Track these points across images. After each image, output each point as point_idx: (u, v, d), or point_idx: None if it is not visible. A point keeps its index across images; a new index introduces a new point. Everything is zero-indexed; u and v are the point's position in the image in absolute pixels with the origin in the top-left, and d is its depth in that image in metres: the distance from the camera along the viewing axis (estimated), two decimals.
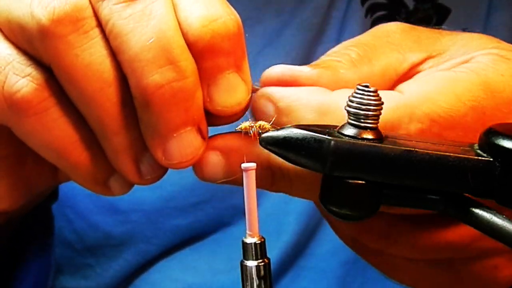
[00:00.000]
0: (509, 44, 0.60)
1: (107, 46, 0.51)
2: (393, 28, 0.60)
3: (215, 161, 0.55)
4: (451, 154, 0.49)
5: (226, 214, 0.89)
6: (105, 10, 0.51)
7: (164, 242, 0.90)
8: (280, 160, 0.54)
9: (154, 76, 0.50)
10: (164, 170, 0.56)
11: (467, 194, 0.50)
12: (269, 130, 0.53)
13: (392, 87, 0.58)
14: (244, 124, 0.54)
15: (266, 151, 0.53)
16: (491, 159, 0.49)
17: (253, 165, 0.52)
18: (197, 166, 0.56)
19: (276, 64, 0.85)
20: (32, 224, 0.79)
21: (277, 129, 0.52)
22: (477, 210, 0.49)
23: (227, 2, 0.53)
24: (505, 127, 0.50)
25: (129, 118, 0.52)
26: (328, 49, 0.86)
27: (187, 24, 0.51)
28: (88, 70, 0.51)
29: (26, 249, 0.79)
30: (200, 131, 0.53)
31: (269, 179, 0.55)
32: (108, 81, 0.51)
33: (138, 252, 0.91)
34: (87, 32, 0.51)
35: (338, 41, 0.86)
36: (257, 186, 0.55)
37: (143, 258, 0.91)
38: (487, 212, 0.49)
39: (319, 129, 0.51)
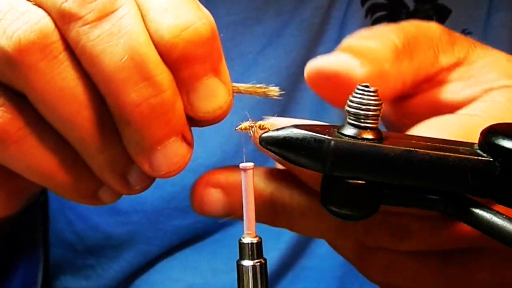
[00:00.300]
0: None
1: (79, 68, 0.50)
2: (433, 26, 0.59)
3: (216, 198, 0.55)
4: (451, 154, 0.49)
5: None
6: (72, 33, 0.49)
7: (164, 243, 0.90)
8: (284, 199, 0.54)
9: (131, 95, 0.49)
10: (153, 178, 0.55)
11: (467, 194, 0.50)
12: (269, 130, 0.53)
13: (417, 86, 0.57)
14: (244, 124, 0.54)
15: (270, 188, 0.54)
16: (491, 159, 0.49)
17: (250, 164, 0.52)
18: (196, 203, 0.56)
19: (276, 64, 0.86)
20: (20, 226, 0.78)
21: (277, 129, 0.52)
22: (477, 210, 0.49)
23: (198, 4, 0.51)
24: (505, 127, 0.50)
25: (110, 135, 0.52)
26: (328, 49, 0.86)
27: (158, 35, 0.50)
28: (63, 94, 0.50)
29: (14, 251, 0.79)
30: (184, 138, 0.53)
31: (271, 216, 0.55)
32: (84, 103, 0.50)
33: (138, 253, 0.91)
34: (56, 57, 0.49)
35: (338, 41, 0.86)
36: (259, 221, 0.54)
37: (144, 258, 0.91)
38: (487, 212, 0.49)
39: (319, 129, 0.51)
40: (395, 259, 0.58)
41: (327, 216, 0.53)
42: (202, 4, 0.53)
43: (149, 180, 0.55)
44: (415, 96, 0.60)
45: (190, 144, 0.53)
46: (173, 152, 0.52)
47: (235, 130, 0.54)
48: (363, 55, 0.55)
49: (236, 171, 0.55)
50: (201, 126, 0.55)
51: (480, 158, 0.49)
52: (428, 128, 0.54)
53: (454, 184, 0.49)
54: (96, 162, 0.53)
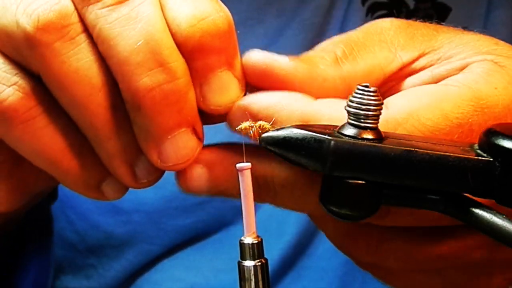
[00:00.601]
0: (507, 45, 0.59)
1: (95, 51, 0.51)
2: (387, 25, 0.59)
3: (199, 174, 0.55)
4: (451, 154, 0.49)
5: (228, 214, 0.89)
6: (91, 15, 0.50)
7: (166, 242, 0.90)
8: (265, 171, 0.54)
9: (144, 79, 0.50)
10: (160, 173, 0.56)
11: (467, 194, 0.50)
12: (269, 130, 0.53)
13: (379, 86, 0.57)
14: (244, 124, 0.54)
15: (251, 163, 0.53)
16: (491, 159, 0.49)
17: (248, 164, 0.52)
18: (181, 179, 0.56)
19: None
20: (31, 224, 0.79)
21: (277, 129, 0.52)
22: (477, 210, 0.49)
23: None
24: (505, 127, 0.50)
25: (121, 121, 0.52)
26: None
27: (176, 24, 0.51)
28: (76, 76, 0.51)
29: (26, 249, 0.79)
30: (195, 131, 0.53)
31: (254, 190, 0.55)
32: (98, 86, 0.51)
33: (140, 252, 0.91)
34: (73, 38, 0.50)
35: None
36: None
37: (145, 258, 0.91)
38: (487, 212, 0.49)
39: (319, 129, 0.51)
40: (384, 237, 0.58)
41: (309, 189, 0.53)
42: None
43: (156, 174, 0.55)
44: (386, 94, 0.60)
45: (200, 138, 0.54)
46: (182, 143, 0.52)
47: (235, 130, 0.54)
48: (298, 58, 0.56)
49: (217, 148, 0.55)
50: (213, 123, 0.55)
51: (480, 158, 0.49)
52: (402, 98, 0.54)
53: (454, 184, 0.49)
54: (105, 149, 0.53)
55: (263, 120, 0.53)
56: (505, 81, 0.55)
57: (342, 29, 0.86)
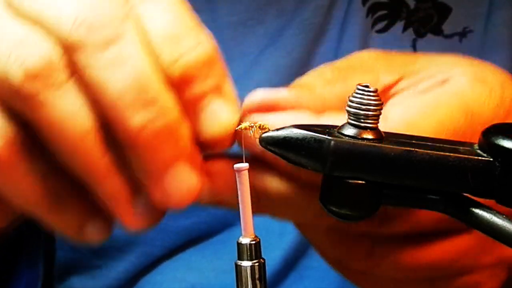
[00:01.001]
0: (482, 62, 0.61)
1: (83, 96, 0.51)
2: (365, 56, 0.61)
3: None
4: (451, 154, 0.49)
5: (229, 215, 0.88)
6: (77, 61, 0.50)
7: (167, 243, 0.90)
8: (265, 183, 0.54)
9: (135, 119, 0.50)
10: (162, 212, 0.55)
11: (467, 194, 0.50)
12: (269, 130, 0.53)
13: None
14: (244, 124, 0.54)
15: (251, 174, 0.54)
16: (491, 159, 0.49)
17: (245, 165, 0.52)
18: None
19: (277, 64, 0.86)
20: (23, 236, 0.79)
21: (277, 129, 0.52)
22: (477, 210, 0.49)
23: (198, 28, 0.53)
24: (505, 127, 0.50)
25: (116, 161, 0.52)
26: (330, 48, 0.87)
27: (159, 62, 0.51)
28: (65, 122, 0.50)
29: (17, 261, 0.79)
30: (193, 165, 0.53)
31: (253, 202, 0.55)
32: (88, 129, 0.51)
33: (142, 254, 0.91)
34: (60, 86, 0.50)
35: (339, 40, 0.86)
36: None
37: (147, 259, 0.91)
38: (487, 212, 0.49)
39: (319, 129, 0.51)
40: (376, 242, 0.58)
41: (306, 204, 0.53)
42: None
43: (158, 213, 0.55)
44: None
45: (200, 171, 0.53)
46: (182, 178, 0.52)
47: (235, 130, 0.54)
48: (294, 86, 0.57)
49: (219, 158, 0.55)
50: (214, 152, 0.55)
51: (480, 158, 0.49)
52: (399, 109, 0.55)
53: (454, 184, 0.49)
54: (102, 190, 0.53)
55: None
56: (488, 89, 0.57)
57: (342, 29, 0.86)
